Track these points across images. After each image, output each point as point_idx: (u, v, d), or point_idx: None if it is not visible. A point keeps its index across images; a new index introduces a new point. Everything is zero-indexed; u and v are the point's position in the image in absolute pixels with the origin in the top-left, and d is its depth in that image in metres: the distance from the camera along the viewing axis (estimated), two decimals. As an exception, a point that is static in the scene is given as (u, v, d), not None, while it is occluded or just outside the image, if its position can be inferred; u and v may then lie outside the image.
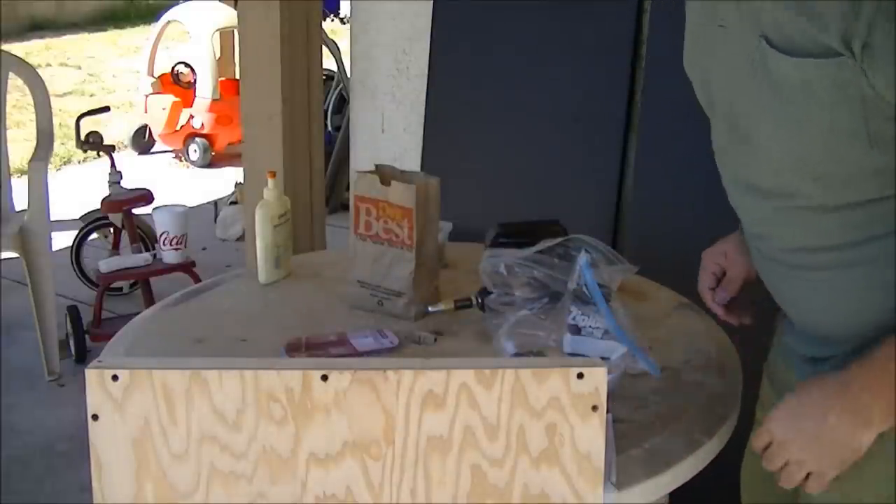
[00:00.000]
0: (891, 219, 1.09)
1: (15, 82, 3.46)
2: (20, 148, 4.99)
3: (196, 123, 5.92)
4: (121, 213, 3.63)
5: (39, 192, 3.28)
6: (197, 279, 3.24)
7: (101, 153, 4.05)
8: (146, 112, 6.10)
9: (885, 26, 0.96)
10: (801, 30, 1.02)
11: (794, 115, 1.06)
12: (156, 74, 6.02)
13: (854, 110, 1.02)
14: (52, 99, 3.57)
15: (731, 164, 1.22)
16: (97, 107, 4.29)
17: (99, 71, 8.99)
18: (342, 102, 5.10)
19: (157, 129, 6.07)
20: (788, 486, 1.16)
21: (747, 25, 1.07)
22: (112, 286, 3.70)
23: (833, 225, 1.12)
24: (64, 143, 5.98)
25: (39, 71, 3.68)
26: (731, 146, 1.19)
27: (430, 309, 1.59)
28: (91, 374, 1.02)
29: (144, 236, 3.73)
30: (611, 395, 1.05)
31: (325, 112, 4.75)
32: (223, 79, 5.89)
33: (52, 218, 3.35)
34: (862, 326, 1.14)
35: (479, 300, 1.56)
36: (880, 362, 1.08)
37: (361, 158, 2.88)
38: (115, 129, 6.31)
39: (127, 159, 5.88)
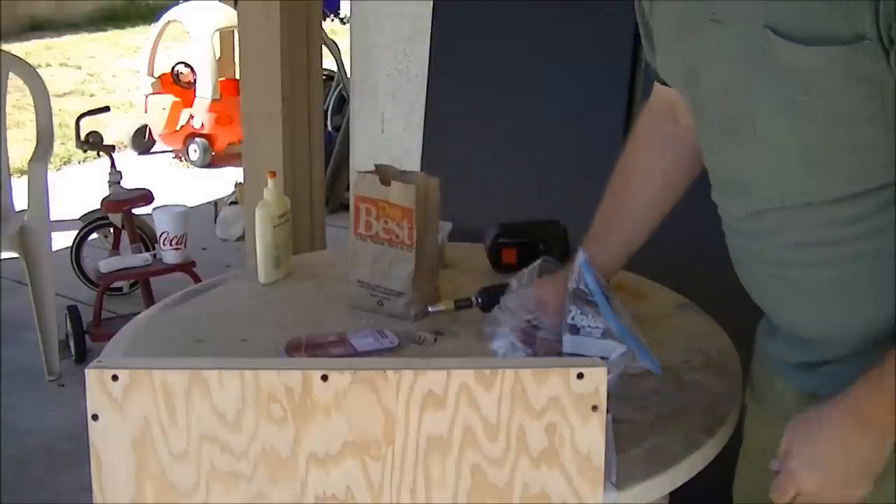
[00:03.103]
0: (891, 209, 1.07)
1: (15, 82, 3.46)
2: (20, 148, 4.99)
3: (196, 123, 5.91)
4: (121, 213, 3.63)
5: (39, 192, 3.28)
6: (197, 279, 3.23)
7: (101, 153, 4.05)
8: (146, 112, 6.10)
9: None
10: (817, 17, 1.00)
11: (804, 105, 1.04)
12: (156, 74, 6.02)
13: (874, 96, 1.01)
14: (52, 99, 3.57)
15: (723, 163, 1.20)
16: (97, 107, 4.29)
17: (99, 71, 8.99)
18: (342, 102, 5.10)
19: (157, 129, 6.07)
20: None
21: (750, 17, 1.06)
22: (112, 286, 3.70)
23: (832, 218, 1.10)
24: (64, 143, 5.97)
25: (39, 71, 3.68)
26: (724, 145, 1.17)
27: (430, 309, 1.59)
28: (91, 374, 1.02)
29: (144, 236, 3.73)
30: (611, 395, 1.05)
31: (325, 112, 4.75)
32: (223, 79, 5.89)
33: (52, 218, 3.35)
34: (858, 326, 1.12)
35: (480, 300, 1.56)
36: (887, 377, 1.06)
37: (361, 158, 2.88)
38: (115, 129, 6.30)
39: (127, 159, 5.88)
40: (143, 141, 6.34)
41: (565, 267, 1.44)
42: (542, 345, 1.39)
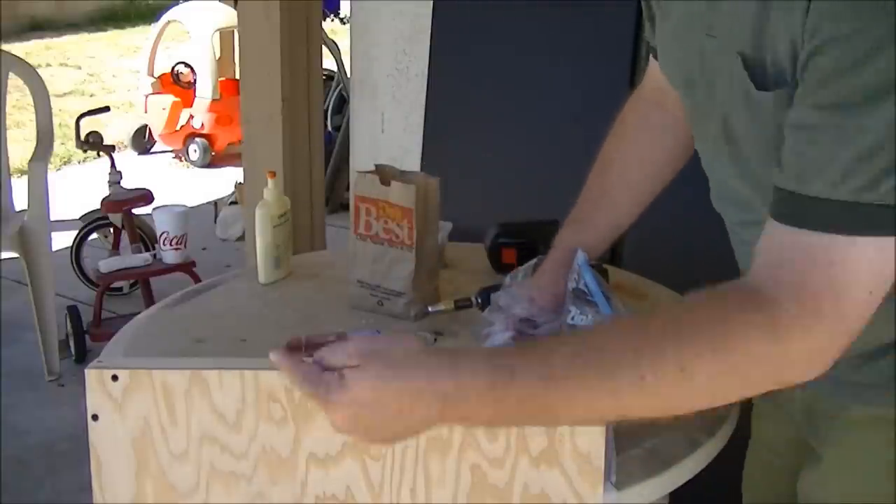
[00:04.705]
0: None
1: (15, 82, 3.46)
2: (20, 148, 4.99)
3: (196, 123, 5.92)
4: (121, 213, 3.63)
5: (39, 192, 3.28)
6: (197, 279, 3.24)
7: (101, 153, 4.05)
8: (146, 112, 6.10)
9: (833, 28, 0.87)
10: (763, 56, 0.97)
11: (777, 138, 1.00)
12: (156, 74, 6.02)
13: None
14: (52, 99, 3.57)
15: (718, 173, 1.19)
16: (97, 107, 4.29)
17: (99, 71, 8.99)
18: (342, 102, 5.10)
19: (157, 129, 6.07)
20: None
21: (732, 39, 1.02)
22: (112, 286, 3.70)
23: None
24: (64, 143, 5.98)
25: (39, 71, 3.68)
26: (719, 156, 1.15)
27: (430, 309, 1.59)
28: (91, 374, 1.02)
29: (144, 236, 3.73)
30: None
31: (325, 112, 4.75)
32: (223, 79, 5.89)
33: (52, 218, 3.35)
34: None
35: (479, 300, 1.56)
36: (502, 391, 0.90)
37: (361, 158, 2.88)
38: (115, 129, 6.30)
39: (127, 159, 5.88)
40: (143, 141, 6.35)
41: (543, 261, 1.43)
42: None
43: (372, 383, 0.90)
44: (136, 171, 5.30)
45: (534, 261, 1.46)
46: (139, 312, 1.72)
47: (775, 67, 0.96)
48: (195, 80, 5.89)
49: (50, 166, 3.68)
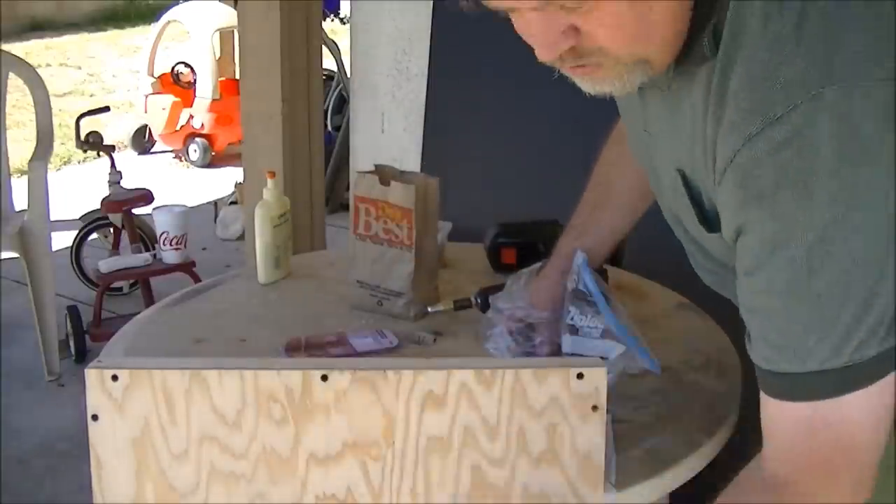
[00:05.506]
0: None
1: (15, 82, 3.46)
2: (20, 148, 4.99)
3: (196, 123, 5.92)
4: (121, 213, 3.63)
5: (39, 192, 3.28)
6: (197, 279, 3.23)
7: (101, 153, 4.05)
8: (146, 112, 6.10)
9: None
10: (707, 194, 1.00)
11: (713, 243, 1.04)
12: (156, 74, 6.02)
13: None
14: (52, 99, 3.57)
15: (678, 236, 1.21)
16: (97, 107, 4.29)
17: (99, 71, 8.99)
18: (342, 102, 5.10)
19: (157, 129, 6.07)
20: None
21: (668, 150, 1.05)
22: (112, 286, 3.70)
23: None
24: (64, 143, 5.98)
25: (39, 71, 3.68)
26: (675, 228, 1.18)
27: (429, 309, 1.59)
28: (91, 374, 1.02)
29: (144, 236, 3.73)
30: (610, 395, 1.05)
31: (325, 112, 4.75)
32: (223, 79, 5.89)
33: (52, 218, 3.35)
34: None
35: (479, 300, 1.56)
36: None
37: (361, 158, 2.88)
38: (115, 129, 6.30)
39: (127, 159, 5.88)
40: (143, 141, 6.35)
41: (546, 263, 1.44)
42: (543, 343, 1.39)
43: None
44: (136, 171, 5.30)
45: (538, 265, 1.46)
46: (139, 312, 1.72)
47: (712, 211, 0.99)
48: (195, 80, 5.89)
49: (50, 166, 3.68)
